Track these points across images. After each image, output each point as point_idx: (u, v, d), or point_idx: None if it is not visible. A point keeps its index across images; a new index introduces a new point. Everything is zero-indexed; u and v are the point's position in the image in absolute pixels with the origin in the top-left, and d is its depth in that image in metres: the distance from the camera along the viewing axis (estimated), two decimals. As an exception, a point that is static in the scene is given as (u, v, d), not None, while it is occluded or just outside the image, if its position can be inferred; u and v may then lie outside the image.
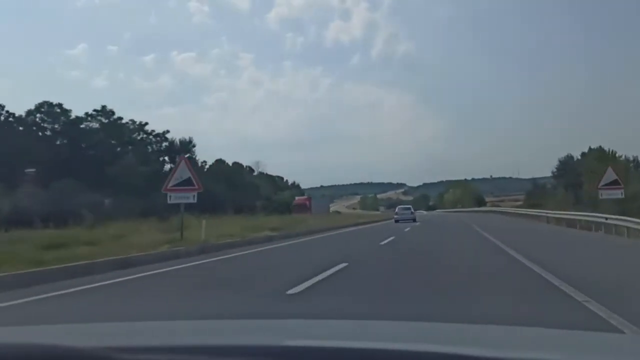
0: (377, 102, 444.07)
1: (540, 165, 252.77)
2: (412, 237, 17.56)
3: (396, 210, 38.24)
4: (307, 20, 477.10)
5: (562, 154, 55.72)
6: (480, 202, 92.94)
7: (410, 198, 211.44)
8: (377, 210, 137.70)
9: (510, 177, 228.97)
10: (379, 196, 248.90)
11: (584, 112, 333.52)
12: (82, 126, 44.09)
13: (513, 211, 42.38)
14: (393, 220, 35.02)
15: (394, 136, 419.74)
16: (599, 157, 42.24)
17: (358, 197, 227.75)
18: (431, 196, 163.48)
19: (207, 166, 50.42)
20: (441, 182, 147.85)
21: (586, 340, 1.57)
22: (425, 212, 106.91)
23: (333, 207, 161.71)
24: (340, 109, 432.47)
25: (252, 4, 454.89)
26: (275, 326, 1.92)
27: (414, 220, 33.08)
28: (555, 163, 51.89)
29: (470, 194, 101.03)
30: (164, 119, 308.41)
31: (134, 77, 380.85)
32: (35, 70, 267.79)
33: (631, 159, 44.39)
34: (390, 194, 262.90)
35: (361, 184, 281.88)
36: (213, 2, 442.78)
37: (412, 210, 37.56)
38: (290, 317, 4.49)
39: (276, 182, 60.71)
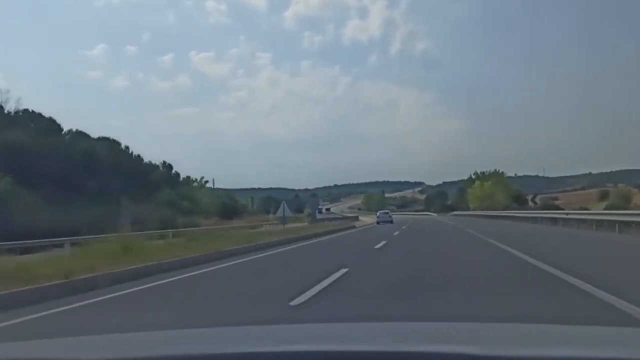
0: (395, 100, 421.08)
1: (568, 164, 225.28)
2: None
3: (377, 214, 47.29)
4: (325, 19, 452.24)
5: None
6: (520, 201, 66.69)
7: (424, 196, 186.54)
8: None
9: (537, 176, 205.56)
10: (392, 195, 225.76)
11: (609, 112, 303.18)
12: None
13: None
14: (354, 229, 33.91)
15: (413, 134, 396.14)
16: None
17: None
18: (450, 194, 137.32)
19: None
20: (462, 180, 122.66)
21: (591, 335, 1.56)
22: (435, 215, 76.66)
23: (335, 207, 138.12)
24: (357, 107, 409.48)
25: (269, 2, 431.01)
26: (279, 332, 1.95)
27: (392, 222, 40.23)
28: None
29: (505, 188, 72.30)
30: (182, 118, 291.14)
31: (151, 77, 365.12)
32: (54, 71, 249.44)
33: None
34: (407, 192, 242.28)
35: (376, 182, 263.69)
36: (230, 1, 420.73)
37: (390, 214, 46.29)
38: None
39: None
